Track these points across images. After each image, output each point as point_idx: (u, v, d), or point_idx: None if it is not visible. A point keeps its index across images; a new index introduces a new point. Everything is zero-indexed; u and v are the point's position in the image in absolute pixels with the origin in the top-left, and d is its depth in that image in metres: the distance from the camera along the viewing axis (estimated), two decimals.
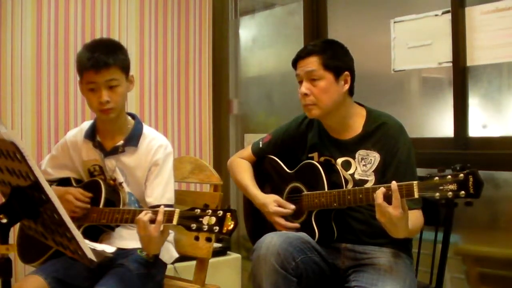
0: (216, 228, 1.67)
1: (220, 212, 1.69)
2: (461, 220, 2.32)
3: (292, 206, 2.04)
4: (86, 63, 1.99)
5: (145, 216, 1.80)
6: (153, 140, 2.14)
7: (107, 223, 2.00)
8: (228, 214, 1.68)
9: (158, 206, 2.01)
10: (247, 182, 2.22)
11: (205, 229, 1.69)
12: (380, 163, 1.96)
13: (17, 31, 2.78)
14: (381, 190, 1.70)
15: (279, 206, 2.06)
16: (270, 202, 2.07)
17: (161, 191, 2.09)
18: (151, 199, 2.08)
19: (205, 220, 1.70)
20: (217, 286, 2.27)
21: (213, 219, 1.69)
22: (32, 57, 2.82)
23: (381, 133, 1.99)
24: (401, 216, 1.68)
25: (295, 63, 2.05)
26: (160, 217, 1.79)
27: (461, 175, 1.59)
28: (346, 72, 2.00)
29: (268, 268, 1.78)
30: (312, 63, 1.98)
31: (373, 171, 1.97)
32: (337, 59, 2.00)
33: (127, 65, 2.09)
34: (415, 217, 1.85)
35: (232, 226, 1.66)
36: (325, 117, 2.03)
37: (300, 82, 2.02)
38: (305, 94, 1.98)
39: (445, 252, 2.06)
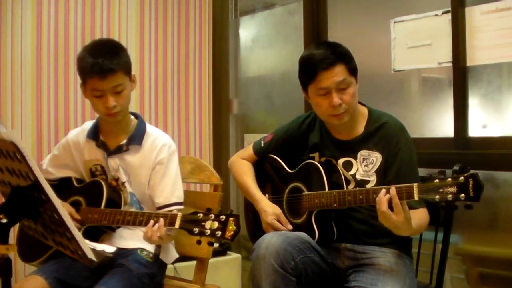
0: (219, 233, 1.67)
1: (223, 217, 1.69)
2: (461, 220, 2.32)
3: (290, 227, 2.03)
4: (90, 69, 1.96)
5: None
6: (157, 138, 2.14)
7: (108, 224, 2.00)
8: (231, 219, 1.68)
9: (168, 205, 2.07)
10: (250, 183, 2.21)
11: (207, 234, 1.70)
12: (382, 164, 1.96)
13: (17, 31, 2.78)
14: (386, 198, 1.70)
15: (278, 221, 2.05)
16: (272, 213, 2.06)
17: (170, 190, 2.10)
18: (161, 199, 2.09)
19: (207, 224, 1.70)
20: (217, 286, 2.27)
21: (216, 224, 1.69)
22: (32, 57, 2.82)
23: (383, 133, 1.99)
24: (404, 220, 1.69)
25: (314, 75, 1.93)
26: (159, 234, 1.85)
27: (461, 178, 1.58)
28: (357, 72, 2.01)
29: (267, 268, 1.78)
30: (341, 72, 1.92)
31: (374, 172, 1.97)
32: (353, 61, 1.99)
33: (129, 66, 2.09)
34: (419, 216, 1.85)
35: (234, 231, 1.66)
36: None
37: (325, 94, 1.93)
38: (339, 105, 1.93)
39: (445, 252, 2.06)
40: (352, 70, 1.96)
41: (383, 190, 1.72)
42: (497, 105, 2.42)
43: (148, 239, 1.88)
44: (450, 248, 2.09)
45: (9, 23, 2.75)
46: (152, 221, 1.85)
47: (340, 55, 1.95)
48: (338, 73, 1.92)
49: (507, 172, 2.32)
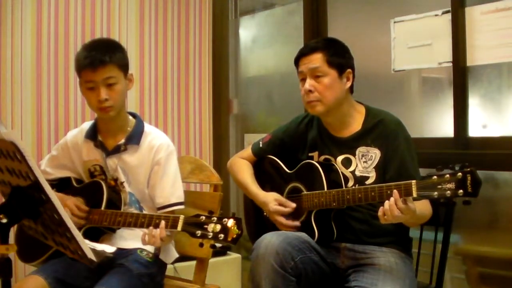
0: (221, 236, 1.67)
1: (226, 220, 1.69)
2: (461, 220, 2.32)
3: (293, 205, 2.04)
4: (83, 62, 2.00)
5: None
6: (155, 138, 2.15)
7: (108, 226, 2.00)
8: (233, 222, 1.68)
9: (168, 206, 2.07)
10: (248, 181, 2.22)
11: (210, 237, 1.70)
12: (381, 159, 1.97)
13: (17, 31, 2.78)
14: (392, 202, 1.70)
15: (280, 204, 2.06)
16: (271, 200, 2.07)
17: (170, 190, 2.11)
18: (161, 200, 2.10)
19: (210, 227, 1.70)
20: (217, 286, 2.27)
21: (218, 227, 1.69)
22: (32, 57, 2.82)
23: (380, 129, 2.00)
24: (412, 215, 1.72)
25: (297, 60, 2.06)
26: (162, 234, 1.84)
27: (459, 174, 1.59)
28: (349, 70, 2.03)
29: (267, 268, 1.78)
30: (317, 60, 1.99)
31: (374, 168, 1.97)
32: (340, 56, 2.02)
33: (125, 63, 2.09)
34: (423, 204, 1.85)
35: (237, 234, 1.67)
36: (327, 114, 2.04)
37: (303, 80, 2.03)
38: (309, 91, 1.99)
39: (445, 252, 2.06)
40: (332, 62, 1.99)
41: (386, 202, 1.71)
42: (497, 105, 2.42)
43: (146, 243, 1.88)
44: (450, 248, 2.09)
45: (9, 23, 2.75)
46: (151, 228, 1.86)
47: (324, 46, 2.02)
48: (314, 60, 2.00)
49: (507, 172, 2.32)
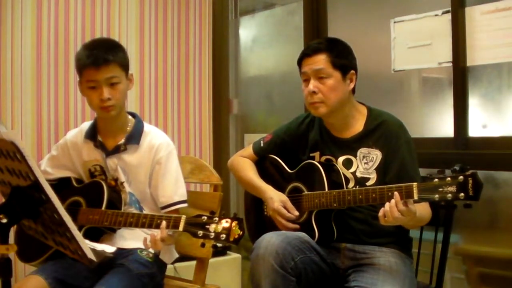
0: (223, 236, 1.68)
1: (228, 220, 1.69)
2: (461, 220, 2.32)
3: (297, 213, 2.03)
4: (85, 60, 1.99)
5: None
6: (155, 137, 2.15)
7: (109, 226, 2.00)
8: (235, 223, 1.68)
9: (171, 205, 2.08)
10: (253, 177, 2.21)
11: (211, 237, 1.70)
12: (382, 161, 1.97)
13: (17, 31, 2.78)
14: (393, 204, 1.70)
15: (285, 207, 2.05)
16: (277, 200, 2.06)
17: (173, 189, 2.11)
18: (164, 199, 2.10)
19: (211, 227, 1.70)
20: (217, 286, 2.27)
21: (220, 227, 1.69)
22: (32, 57, 2.82)
23: (382, 131, 2.00)
24: (413, 217, 1.72)
25: (300, 61, 2.05)
26: (163, 234, 1.83)
27: (461, 177, 1.59)
28: (352, 71, 2.02)
29: (267, 268, 1.78)
30: (321, 61, 1.98)
31: (375, 169, 1.97)
32: (344, 58, 2.02)
33: (127, 63, 2.09)
34: (423, 207, 1.85)
35: (238, 234, 1.67)
36: (330, 115, 2.04)
37: (306, 81, 2.02)
38: (313, 92, 1.98)
39: (445, 252, 2.06)
40: (336, 64, 1.98)
41: (387, 203, 1.71)
42: (497, 105, 2.42)
43: (148, 247, 1.88)
44: (450, 248, 2.09)
45: (9, 23, 2.75)
46: (152, 233, 1.86)
47: (328, 47, 2.01)
48: (318, 61, 1.99)
49: (507, 172, 2.32)
